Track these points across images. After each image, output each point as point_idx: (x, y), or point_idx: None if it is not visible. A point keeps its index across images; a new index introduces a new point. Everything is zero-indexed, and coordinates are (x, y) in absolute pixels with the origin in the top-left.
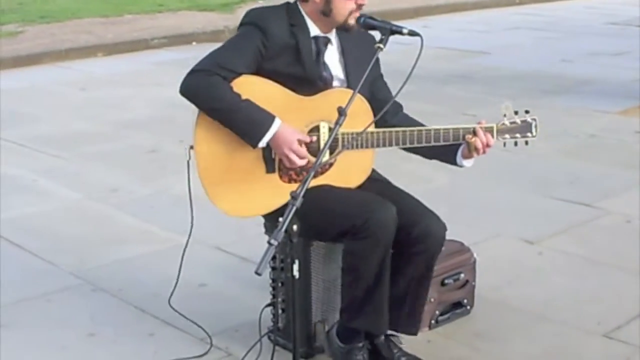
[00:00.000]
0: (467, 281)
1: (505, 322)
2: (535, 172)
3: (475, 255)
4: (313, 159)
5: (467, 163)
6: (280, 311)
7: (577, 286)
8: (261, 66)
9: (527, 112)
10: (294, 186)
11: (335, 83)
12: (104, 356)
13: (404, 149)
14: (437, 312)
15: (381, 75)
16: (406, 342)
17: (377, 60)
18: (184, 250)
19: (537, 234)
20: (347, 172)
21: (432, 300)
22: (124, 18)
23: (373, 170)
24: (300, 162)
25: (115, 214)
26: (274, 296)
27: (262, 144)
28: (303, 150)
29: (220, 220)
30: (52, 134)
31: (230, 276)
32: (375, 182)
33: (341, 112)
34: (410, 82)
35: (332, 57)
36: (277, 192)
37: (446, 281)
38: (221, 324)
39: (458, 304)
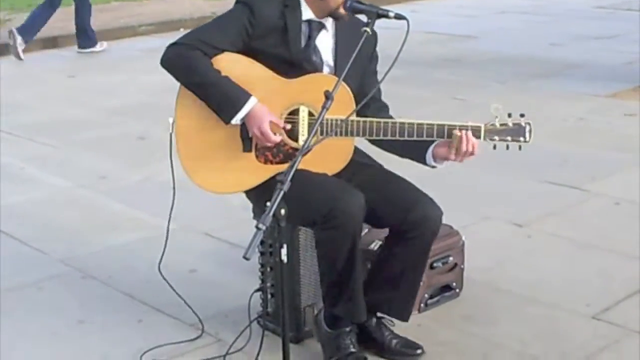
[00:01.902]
0: (455, 264)
1: (494, 304)
2: (524, 155)
3: (463, 238)
4: (289, 141)
5: (437, 163)
6: (269, 296)
7: (566, 268)
8: (249, 45)
9: (522, 115)
10: (270, 167)
11: (325, 69)
12: (94, 343)
13: (379, 145)
14: (426, 296)
15: (375, 73)
16: (396, 326)
17: (374, 55)
18: (168, 226)
19: (526, 217)
20: (325, 157)
21: (422, 283)
22: (111, 5)
23: (365, 156)
24: (270, 144)
25: (105, 201)
26: (262, 281)
27: (236, 121)
28: (271, 133)
29: (208, 206)
30: (40, 121)
31: (219, 262)
32: (366, 168)
33: (328, 95)
34: (398, 66)
35: (325, 43)
36: (252, 172)
37: (435, 264)
38: (211, 309)
39: (447, 287)
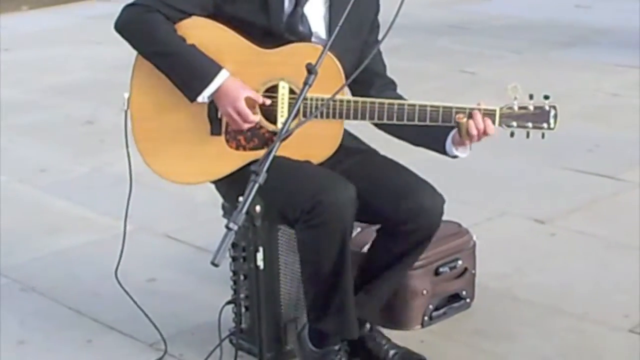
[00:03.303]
0: (465, 269)
1: (512, 316)
2: (547, 138)
3: (475, 238)
4: (266, 123)
5: (460, 152)
6: (243, 309)
7: (597, 272)
8: (221, 9)
9: (546, 97)
10: (242, 154)
11: (314, 42)
12: None
13: (388, 131)
14: (430, 307)
15: (377, 42)
16: (395, 340)
17: (375, 23)
18: (125, 228)
19: (549, 212)
20: (308, 143)
21: (425, 292)
22: None
23: (353, 138)
24: (245, 126)
25: (47, 198)
26: (235, 292)
27: (203, 98)
28: (248, 112)
29: (169, 202)
30: None
31: (183, 269)
32: (354, 153)
33: (311, 69)
34: (396, 34)
35: (315, 11)
36: (222, 159)
37: (441, 269)
38: (174, 326)
39: (455, 297)
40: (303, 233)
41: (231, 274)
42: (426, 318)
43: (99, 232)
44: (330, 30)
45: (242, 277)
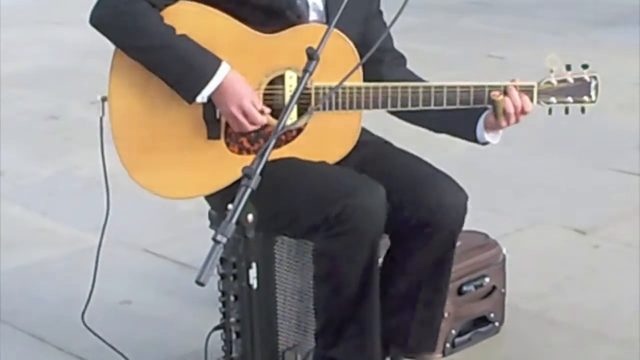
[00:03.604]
0: (494, 288)
1: (548, 343)
2: (589, 134)
3: (504, 251)
4: (274, 121)
5: (491, 138)
6: (234, 336)
7: None
8: None
9: (585, 67)
10: (246, 158)
11: (313, 16)
12: None
13: (404, 117)
14: (453, 332)
15: (379, 13)
16: None
17: None
18: (98, 251)
19: (591, 221)
20: (323, 141)
21: (447, 314)
22: None
23: (363, 130)
24: (252, 127)
25: (3, 206)
26: (224, 315)
27: (202, 98)
28: (256, 111)
29: (148, 212)
30: None
31: (164, 289)
32: (364, 146)
33: (312, 54)
34: (411, 12)
35: None
36: (223, 166)
37: (465, 288)
38: (152, 356)
39: (482, 320)
40: (326, 243)
41: (220, 294)
42: (448, 345)
43: (63, 246)
44: (327, 1)
45: (232, 298)
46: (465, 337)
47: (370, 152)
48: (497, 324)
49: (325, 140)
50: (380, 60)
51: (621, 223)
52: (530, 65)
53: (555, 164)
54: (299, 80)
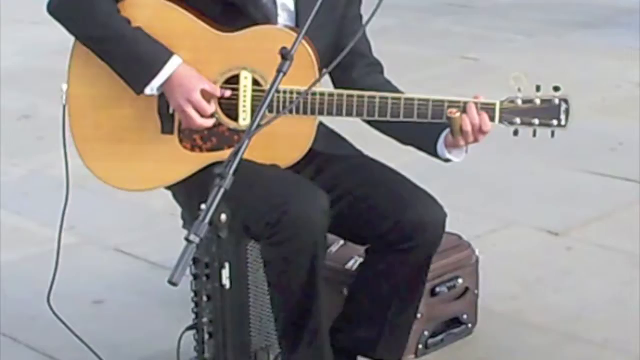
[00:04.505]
0: (466, 289)
1: (521, 344)
2: (562, 136)
3: (477, 252)
4: (226, 120)
5: (454, 156)
6: (206, 336)
7: (620, 294)
8: None
9: (556, 89)
10: (198, 156)
11: (282, 16)
12: None
13: (374, 126)
14: (426, 333)
15: (359, 16)
16: None
17: None
18: (58, 245)
19: (564, 222)
20: (275, 143)
21: (420, 316)
22: None
23: (337, 140)
24: (201, 121)
25: None
26: (197, 315)
27: (151, 90)
28: (205, 105)
29: (120, 211)
30: None
31: (135, 289)
32: (341, 160)
33: (285, 55)
34: (385, 13)
35: None
36: (175, 161)
37: (438, 289)
38: (124, 356)
39: (455, 321)
40: (268, 250)
41: (192, 294)
42: (420, 346)
43: (37, 246)
44: (298, 1)
45: (204, 298)
46: (438, 338)
47: (348, 166)
48: (469, 325)
49: (278, 143)
50: (352, 66)
51: (594, 225)
52: (503, 67)
53: (528, 166)
54: (255, 80)
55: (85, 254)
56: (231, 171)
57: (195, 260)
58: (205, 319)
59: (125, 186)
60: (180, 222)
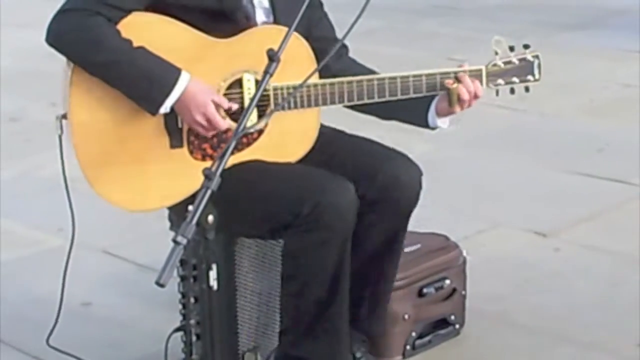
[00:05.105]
0: (454, 290)
1: (508, 345)
2: (550, 137)
3: (465, 253)
4: (234, 124)
5: (442, 123)
6: (194, 338)
7: (607, 294)
8: None
9: (525, 46)
10: (209, 165)
11: (259, 14)
12: None
13: (354, 107)
14: (413, 334)
15: (321, 5)
16: None
17: None
18: (67, 261)
19: (552, 223)
20: (284, 141)
21: (407, 317)
22: None
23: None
24: (211, 133)
25: None
26: (184, 317)
27: (165, 109)
28: (219, 117)
29: (108, 213)
30: None
31: (123, 290)
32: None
33: (272, 56)
34: (372, 15)
35: None
36: (188, 174)
37: (425, 290)
38: (113, 357)
39: (443, 322)
40: (298, 241)
41: (180, 296)
42: (408, 347)
43: (24, 248)
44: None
45: (192, 300)
46: (426, 339)
47: (324, 140)
48: (457, 326)
49: (286, 139)
50: (324, 51)
51: (582, 226)
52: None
53: (516, 167)
54: (257, 82)
55: (73, 256)
56: (218, 172)
57: (182, 262)
58: (193, 321)
59: (142, 207)
60: (168, 224)
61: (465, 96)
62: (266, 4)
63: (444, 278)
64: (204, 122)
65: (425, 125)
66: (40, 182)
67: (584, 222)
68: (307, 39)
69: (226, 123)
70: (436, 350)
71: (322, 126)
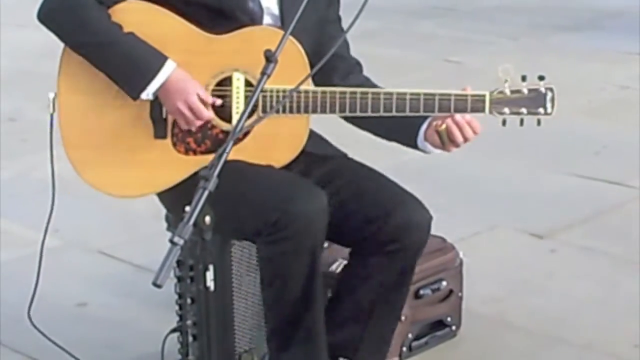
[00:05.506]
0: (451, 291)
1: (505, 347)
2: (547, 139)
3: (462, 255)
4: (219, 122)
5: (433, 148)
6: (190, 338)
7: (604, 296)
8: None
9: (541, 78)
10: (193, 159)
11: (267, 20)
12: None
13: (354, 122)
14: (410, 336)
15: (338, 19)
16: None
17: None
18: (42, 248)
19: (548, 225)
20: (270, 144)
21: (404, 318)
22: None
23: (322, 142)
24: (197, 123)
25: None
26: (181, 318)
27: (147, 95)
28: (202, 107)
29: (104, 214)
30: None
31: (119, 291)
32: (326, 161)
33: (270, 57)
34: (369, 16)
35: None
36: (168, 166)
37: (422, 292)
38: (109, 358)
39: (439, 324)
40: (267, 249)
41: (176, 297)
42: (405, 349)
43: (23, 248)
44: (282, 5)
45: (189, 301)
46: (422, 340)
47: (333, 168)
48: (454, 327)
49: (272, 144)
50: (334, 69)
51: (578, 228)
52: (486, 70)
53: (512, 168)
54: (247, 82)
55: (69, 256)
56: (215, 173)
57: (179, 263)
58: (189, 322)
59: (119, 193)
60: (164, 224)
61: (459, 138)
62: (275, 11)
63: (441, 280)
64: (187, 112)
65: (416, 147)
66: (38, 182)
67: (581, 224)
68: (317, 53)
69: (210, 114)
70: (433, 351)
71: (334, 148)
